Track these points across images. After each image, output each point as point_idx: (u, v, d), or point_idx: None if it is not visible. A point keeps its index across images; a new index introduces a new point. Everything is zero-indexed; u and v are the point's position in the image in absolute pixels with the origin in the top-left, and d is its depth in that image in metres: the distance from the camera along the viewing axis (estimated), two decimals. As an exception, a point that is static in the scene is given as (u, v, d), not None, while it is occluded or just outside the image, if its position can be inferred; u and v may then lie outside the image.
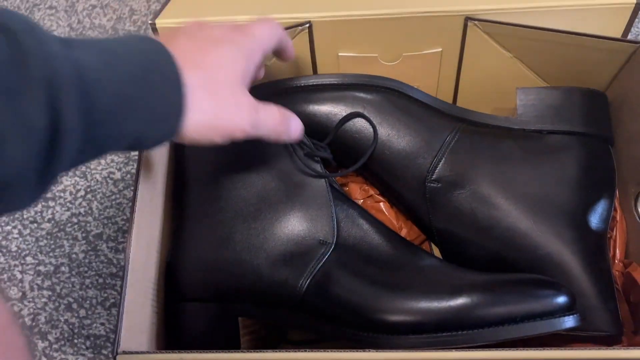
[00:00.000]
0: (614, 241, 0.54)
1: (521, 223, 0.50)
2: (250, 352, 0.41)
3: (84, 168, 0.71)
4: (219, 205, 0.50)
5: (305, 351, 0.40)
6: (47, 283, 0.65)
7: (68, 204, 0.69)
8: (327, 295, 0.46)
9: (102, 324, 0.62)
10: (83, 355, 0.61)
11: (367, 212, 0.53)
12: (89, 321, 0.62)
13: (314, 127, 0.54)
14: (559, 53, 0.55)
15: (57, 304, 0.63)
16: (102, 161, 0.71)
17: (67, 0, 0.87)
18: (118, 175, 0.71)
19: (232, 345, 0.51)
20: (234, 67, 0.42)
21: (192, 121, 0.38)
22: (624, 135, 0.55)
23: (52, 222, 0.68)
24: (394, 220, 0.58)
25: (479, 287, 0.44)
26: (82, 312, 0.63)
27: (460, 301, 0.43)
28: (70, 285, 0.64)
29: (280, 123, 0.44)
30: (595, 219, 0.51)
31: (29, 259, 0.66)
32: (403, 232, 0.58)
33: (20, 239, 0.67)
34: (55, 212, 0.69)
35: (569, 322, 0.43)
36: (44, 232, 0.68)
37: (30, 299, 0.64)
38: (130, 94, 0.35)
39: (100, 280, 0.65)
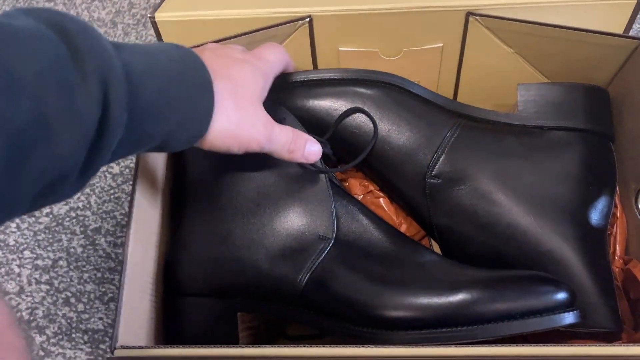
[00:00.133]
0: (614, 238, 0.54)
1: (521, 219, 0.50)
2: (249, 347, 0.41)
3: (82, 162, 0.70)
4: (218, 200, 0.50)
5: (304, 346, 0.40)
6: (45, 277, 0.64)
7: (66, 198, 0.69)
8: (326, 291, 0.46)
9: (100, 318, 0.62)
10: (81, 349, 0.61)
11: (367, 207, 0.52)
12: (87, 315, 0.62)
13: (314, 123, 0.54)
14: (561, 49, 0.55)
15: (55, 298, 0.63)
16: (101, 155, 0.71)
17: (66, -7, 0.87)
18: (117, 169, 0.71)
19: (231, 340, 0.50)
20: (255, 85, 0.45)
21: (218, 127, 0.41)
22: (625, 132, 0.55)
23: (51, 216, 0.68)
24: (394, 216, 0.58)
25: (479, 283, 0.44)
26: (80, 307, 0.63)
27: (459, 297, 0.43)
28: (69, 280, 0.64)
29: (293, 142, 0.46)
30: (595, 216, 0.51)
31: (27, 253, 0.66)
32: (403, 228, 0.58)
33: (18, 232, 0.67)
34: (53, 206, 0.69)
35: (569, 318, 0.43)
36: (42, 226, 0.67)
37: (28, 293, 0.64)
38: (169, 95, 0.37)
39: (99, 275, 0.64)
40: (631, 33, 0.56)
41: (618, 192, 0.55)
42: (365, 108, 0.53)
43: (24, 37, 0.30)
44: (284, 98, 0.55)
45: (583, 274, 0.48)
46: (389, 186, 0.56)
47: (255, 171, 0.50)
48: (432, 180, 0.52)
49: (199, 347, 0.41)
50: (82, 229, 0.67)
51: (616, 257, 0.54)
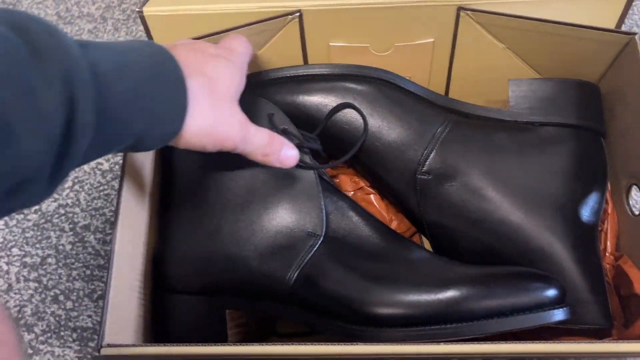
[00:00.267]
0: (605, 234, 0.54)
1: (512, 215, 0.50)
2: (236, 345, 0.40)
3: (71, 158, 0.70)
4: (206, 197, 0.50)
5: (292, 344, 0.40)
6: (33, 275, 0.64)
7: (55, 194, 0.68)
8: (315, 288, 0.46)
9: (89, 316, 0.62)
10: (70, 347, 0.60)
11: (357, 204, 0.52)
12: (75, 313, 0.62)
13: (304, 119, 0.54)
14: (552, 44, 0.55)
15: (43, 296, 0.63)
16: (90, 151, 0.70)
17: (55, -12, 0.86)
18: (106, 166, 0.70)
19: (220, 338, 0.50)
20: (231, 81, 0.44)
21: (193, 125, 0.40)
22: (616, 128, 0.55)
23: (39, 213, 0.67)
24: (385, 212, 0.58)
25: (469, 280, 0.44)
26: (69, 304, 0.62)
27: (449, 294, 0.43)
28: (57, 277, 0.64)
29: (268, 145, 0.46)
30: (586, 212, 0.51)
31: (15, 251, 0.65)
32: (393, 225, 0.57)
33: (7, 230, 0.67)
34: (42, 203, 0.68)
35: (559, 315, 0.43)
36: (30, 224, 0.67)
37: (17, 291, 0.63)
38: (139, 93, 0.36)
39: (88, 272, 0.64)
40: (623, 28, 0.56)
41: (609, 188, 0.55)
42: (356, 104, 0.53)
43: None
44: (273, 93, 0.54)
45: (573, 270, 0.48)
46: (379, 182, 0.56)
47: (244, 168, 0.49)
48: (422, 176, 0.52)
49: (186, 345, 0.40)
50: (71, 226, 0.67)
51: (607, 254, 0.54)
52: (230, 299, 0.49)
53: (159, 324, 0.50)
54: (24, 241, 0.66)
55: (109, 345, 0.41)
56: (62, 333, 0.61)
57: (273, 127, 0.50)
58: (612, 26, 0.55)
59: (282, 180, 0.50)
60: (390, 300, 0.44)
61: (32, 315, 0.62)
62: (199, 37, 0.52)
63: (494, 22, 0.55)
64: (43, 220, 0.67)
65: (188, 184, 0.51)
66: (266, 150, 0.46)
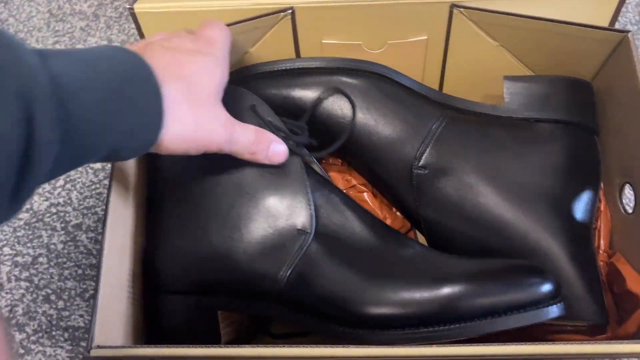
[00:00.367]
0: (599, 232, 0.54)
1: (508, 211, 0.50)
2: (227, 347, 0.40)
3: (63, 157, 0.69)
4: (193, 195, 0.49)
5: (283, 347, 0.40)
6: (24, 274, 0.64)
7: (47, 193, 0.68)
8: (307, 288, 0.45)
9: (81, 315, 0.61)
10: (61, 347, 0.60)
11: (349, 197, 0.52)
12: (67, 313, 0.61)
13: (298, 113, 0.53)
14: (546, 42, 0.55)
15: (35, 295, 0.62)
16: (82, 150, 0.70)
17: (47, -15, 0.85)
18: (98, 164, 0.70)
19: (213, 338, 0.50)
20: (211, 79, 0.42)
21: (172, 133, 0.39)
22: (609, 126, 0.55)
23: (31, 212, 0.67)
24: (378, 210, 0.58)
25: (463, 278, 0.43)
26: (61, 304, 0.62)
27: (443, 294, 0.43)
28: (49, 277, 0.63)
29: (255, 143, 0.45)
30: (580, 208, 0.51)
31: (6, 250, 0.65)
32: (387, 222, 0.57)
33: (-2, 229, 0.66)
34: (33, 201, 0.68)
35: (554, 311, 0.42)
36: (21, 223, 0.66)
37: (8, 290, 0.63)
38: (109, 105, 0.35)
39: (80, 272, 0.63)
40: (616, 26, 0.55)
41: (602, 186, 0.55)
42: (352, 97, 0.53)
43: None
44: (267, 87, 0.54)
45: (568, 266, 0.48)
46: (375, 177, 0.56)
47: (231, 164, 0.48)
48: (418, 171, 0.52)
49: (176, 346, 0.40)
50: (62, 225, 0.66)
51: (600, 251, 0.54)
52: (221, 299, 0.49)
53: (151, 323, 0.50)
54: (15, 240, 0.65)
55: (99, 347, 0.41)
56: (53, 333, 0.60)
57: (258, 118, 0.49)
58: (605, 24, 0.55)
59: (268, 175, 0.48)
60: (382, 302, 0.43)
61: (24, 315, 0.61)
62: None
63: (487, 19, 0.54)
64: (34, 219, 0.67)
65: (175, 182, 0.50)
66: (253, 148, 0.45)
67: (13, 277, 0.63)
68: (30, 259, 0.64)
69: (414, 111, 0.53)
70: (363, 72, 0.54)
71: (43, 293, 0.63)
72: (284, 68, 0.54)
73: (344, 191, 0.58)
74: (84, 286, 0.63)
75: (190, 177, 0.49)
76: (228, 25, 0.52)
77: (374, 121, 0.52)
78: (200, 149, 0.41)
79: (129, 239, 0.49)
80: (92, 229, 0.66)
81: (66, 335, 0.60)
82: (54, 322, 0.61)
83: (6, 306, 0.62)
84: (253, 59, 0.57)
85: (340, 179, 0.58)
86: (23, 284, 0.63)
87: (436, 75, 0.62)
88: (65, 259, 0.64)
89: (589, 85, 0.56)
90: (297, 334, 0.55)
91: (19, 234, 0.66)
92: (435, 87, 0.63)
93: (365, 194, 0.58)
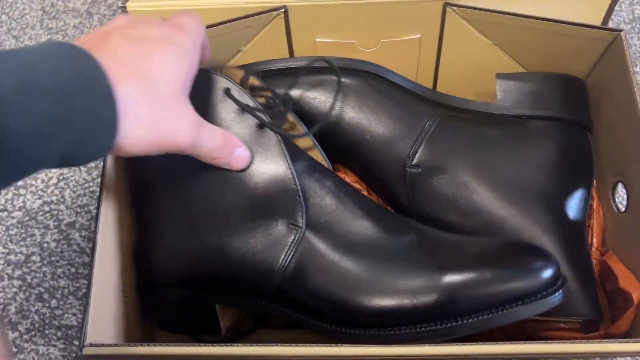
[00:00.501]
0: (591, 230, 0.54)
1: (501, 209, 0.50)
2: (221, 345, 0.40)
3: (56, 155, 0.69)
4: (181, 190, 0.47)
5: (278, 345, 0.40)
6: (17, 273, 0.63)
7: (40, 191, 0.68)
8: (304, 285, 0.45)
9: (74, 314, 0.61)
10: (54, 346, 0.60)
11: (343, 182, 0.49)
12: (60, 311, 0.61)
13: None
14: (539, 40, 0.55)
15: (27, 294, 0.62)
16: (75, 148, 0.70)
17: (40, -18, 0.85)
18: (92, 162, 0.70)
19: (212, 327, 0.50)
20: (177, 74, 0.38)
21: (129, 137, 0.35)
22: (602, 124, 0.55)
23: (23, 210, 0.67)
24: (372, 209, 0.57)
25: (462, 270, 0.42)
26: (54, 302, 0.62)
27: (440, 290, 0.42)
28: (42, 275, 0.63)
29: (220, 149, 0.42)
30: (573, 205, 0.51)
31: (-1, 248, 0.65)
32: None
33: (-10, 227, 0.66)
34: (26, 200, 0.67)
35: (555, 299, 0.42)
36: (14, 221, 0.66)
37: (0, 289, 0.62)
38: (52, 114, 0.31)
39: (73, 270, 0.63)
40: (609, 25, 0.56)
41: (595, 184, 0.55)
42: (345, 97, 0.53)
43: None
44: None
45: (562, 262, 0.48)
46: (369, 176, 0.56)
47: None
48: (412, 170, 0.52)
49: (169, 345, 0.40)
50: (55, 223, 0.66)
51: (593, 249, 0.54)
52: (217, 294, 0.49)
53: (149, 312, 0.50)
54: (8, 239, 0.65)
55: (92, 345, 0.41)
56: (46, 331, 0.60)
57: (233, 102, 0.45)
58: (598, 23, 0.55)
59: (253, 167, 0.46)
60: (376, 300, 0.43)
61: (16, 314, 0.61)
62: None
63: (480, 18, 0.54)
64: (27, 218, 0.66)
65: (163, 175, 0.48)
66: (216, 153, 0.42)
67: (6, 276, 0.63)
68: (23, 258, 0.64)
69: (407, 110, 0.53)
70: (356, 71, 0.54)
71: (36, 292, 0.62)
72: (277, 68, 0.54)
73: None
74: (77, 285, 0.62)
75: (178, 171, 0.47)
76: (219, 23, 0.52)
77: (367, 120, 0.52)
78: (162, 151, 0.38)
79: (122, 237, 0.48)
80: (85, 227, 0.66)
81: (59, 333, 0.60)
82: (47, 321, 0.61)
83: (-1, 305, 0.62)
84: (246, 58, 0.57)
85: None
86: (16, 282, 0.63)
87: (430, 74, 0.63)
88: (58, 258, 0.64)
89: (582, 82, 0.56)
90: (290, 327, 0.55)
91: (11, 232, 0.66)
92: (429, 86, 0.64)
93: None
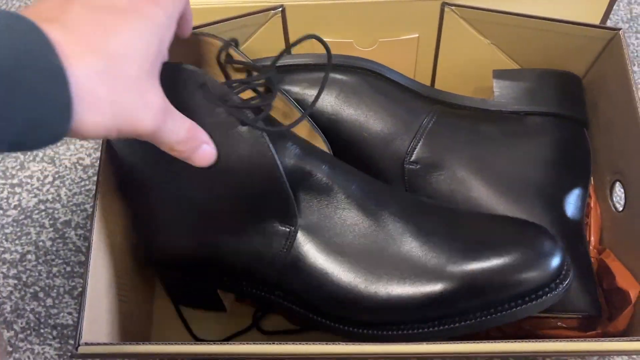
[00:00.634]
0: (589, 228, 0.54)
1: (499, 204, 0.50)
2: (216, 344, 0.40)
3: (52, 153, 0.69)
4: (177, 189, 0.46)
5: (277, 344, 0.40)
6: (12, 271, 0.63)
7: (35, 190, 0.68)
8: (299, 286, 0.45)
9: (70, 313, 0.61)
10: (50, 345, 0.59)
11: (336, 164, 0.47)
12: (55, 310, 0.61)
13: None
14: (537, 40, 0.55)
15: (23, 292, 0.62)
16: (72, 146, 0.69)
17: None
18: (88, 161, 0.69)
19: (216, 305, 0.52)
20: (144, 52, 0.34)
21: (86, 122, 0.31)
22: (600, 123, 0.55)
23: (19, 208, 0.67)
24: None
25: (458, 275, 0.42)
26: (49, 301, 0.61)
27: (439, 290, 0.42)
28: (37, 274, 0.63)
29: (183, 142, 0.38)
30: (571, 201, 0.51)
31: (-6, 247, 0.65)
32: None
33: (-14, 226, 0.66)
34: (21, 198, 0.67)
35: (561, 290, 0.42)
36: (9, 219, 0.66)
37: (-4, 288, 0.62)
38: None
39: (68, 269, 0.63)
40: (608, 24, 0.55)
41: (592, 182, 0.55)
42: (342, 94, 0.53)
43: None
44: None
45: None
46: (367, 172, 0.55)
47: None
48: (410, 166, 0.52)
49: (165, 344, 0.40)
50: (51, 222, 0.66)
51: (590, 248, 0.54)
52: (216, 283, 0.49)
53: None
54: (3, 237, 0.65)
55: (87, 344, 0.40)
56: (42, 330, 0.60)
57: (210, 98, 0.41)
58: (597, 22, 0.55)
59: (239, 166, 0.42)
60: (373, 300, 0.43)
61: (12, 313, 0.61)
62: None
63: (478, 17, 0.54)
64: (23, 216, 0.66)
65: (160, 176, 0.46)
66: (179, 147, 0.38)
67: (1, 275, 0.63)
68: (18, 256, 0.64)
69: (405, 106, 0.53)
70: (353, 68, 0.54)
71: (31, 290, 0.62)
72: (276, 64, 0.53)
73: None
74: (73, 284, 0.62)
75: (169, 166, 0.43)
76: (216, 22, 0.51)
77: (365, 117, 0.52)
78: (123, 136, 0.34)
79: (118, 236, 0.48)
80: (81, 226, 0.65)
81: (54, 333, 0.60)
82: (42, 320, 0.61)
83: (-6, 304, 0.62)
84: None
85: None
86: (11, 281, 0.63)
87: (428, 73, 0.62)
88: (53, 256, 0.64)
89: (578, 78, 0.56)
90: (288, 332, 0.55)
91: (6, 230, 0.65)
92: (428, 85, 0.63)
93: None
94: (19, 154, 0.68)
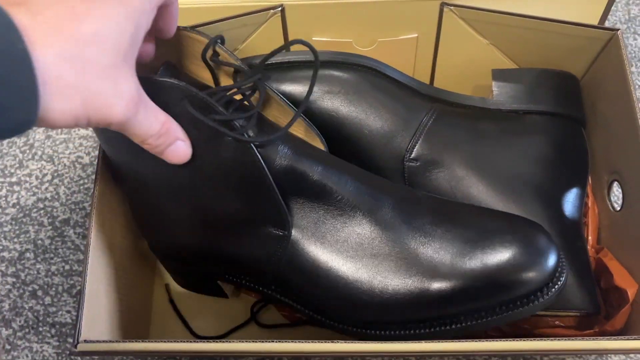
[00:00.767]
0: (587, 227, 0.55)
1: (498, 203, 0.51)
2: (215, 342, 0.40)
3: (51, 152, 0.69)
4: (176, 191, 0.45)
5: (275, 342, 0.40)
6: (11, 269, 0.63)
7: (34, 188, 0.68)
8: (295, 289, 0.45)
9: (68, 311, 0.61)
10: (48, 343, 0.59)
11: (331, 162, 0.46)
12: (54, 309, 0.61)
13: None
14: (536, 40, 0.55)
15: (21, 291, 0.62)
16: (70, 145, 0.69)
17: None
18: (87, 159, 0.69)
19: (218, 292, 0.53)
20: (117, 38, 0.32)
21: (53, 111, 0.31)
22: (598, 123, 0.55)
23: (17, 207, 0.67)
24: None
25: (454, 276, 0.42)
26: (48, 300, 0.61)
27: (430, 296, 0.42)
28: (36, 272, 0.63)
29: (156, 137, 0.37)
30: (569, 199, 0.52)
31: (-8, 245, 0.65)
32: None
33: (-16, 224, 0.66)
34: (20, 196, 0.67)
35: (557, 289, 0.41)
36: (8, 218, 0.66)
37: (-6, 286, 0.62)
38: None
39: (67, 267, 0.63)
40: (606, 25, 0.56)
41: (590, 182, 0.56)
42: (342, 92, 0.53)
43: None
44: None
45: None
46: (367, 170, 0.56)
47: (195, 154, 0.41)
48: (410, 164, 0.52)
49: (163, 341, 0.40)
50: (50, 220, 0.66)
51: (588, 246, 0.54)
52: (216, 275, 0.50)
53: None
54: (2, 235, 0.65)
55: (86, 341, 0.40)
56: (40, 329, 0.60)
57: (191, 114, 0.39)
58: (595, 22, 0.55)
59: (230, 176, 0.42)
60: (371, 302, 0.43)
61: (10, 311, 0.61)
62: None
63: (477, 17, 0.54)
64: (21, 214, 0.66)
65: (156, 177, 0.45)
66: (151, 141, 0.37)
67: (-1, 273, 0.63)
68: (17, 255, 0.64)
69: (405, 104, 0.53)
70: (353, 66, 0.54)
71: (30, 289, 0.62)
72: (272, 62, 0.54)
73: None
74: (71, 282, 0.62)
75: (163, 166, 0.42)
76: (215, 21, 0.51)
77: (365, 114, 0.52)
78: (93, 125, 0.33)
79: (116, 234, 0.48)
80: (79, 224, 0.65)
81: (53, 331, 0.60)
82: (41, 318, 0.61)
83: (-8, 302, 0.62)
84: (242, 56, 0.57)
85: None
86: (9, 279, 0.63)
87: (427, 73, 0.63)
88: (52, 255, 0.64)
89: (575, 78, 0.57)
90: (285, 325, 0.55)
91: (5, 229, 0.65)
92: (426, 84, 0.64)
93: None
94: (18, 152, 0.68)
